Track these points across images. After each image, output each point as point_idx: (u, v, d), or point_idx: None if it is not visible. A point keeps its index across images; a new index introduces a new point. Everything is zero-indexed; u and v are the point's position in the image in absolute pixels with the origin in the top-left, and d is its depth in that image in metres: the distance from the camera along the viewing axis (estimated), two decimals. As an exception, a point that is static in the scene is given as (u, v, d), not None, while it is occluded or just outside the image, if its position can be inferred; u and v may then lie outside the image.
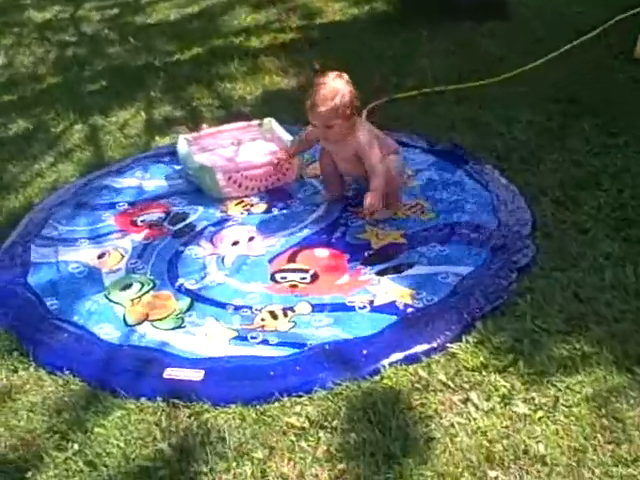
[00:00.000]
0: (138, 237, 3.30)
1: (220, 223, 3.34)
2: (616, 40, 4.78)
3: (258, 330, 2.68)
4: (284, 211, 3.39)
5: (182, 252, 3.17)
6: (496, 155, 3.67)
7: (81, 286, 3.01)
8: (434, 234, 3.11)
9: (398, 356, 2.48)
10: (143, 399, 2.43)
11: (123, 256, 3.18)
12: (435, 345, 2.52)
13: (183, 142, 3.75)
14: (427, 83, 4.48)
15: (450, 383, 2.37)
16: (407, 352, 2.50)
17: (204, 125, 4.21)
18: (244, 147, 3.83)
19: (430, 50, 5.03)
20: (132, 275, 3.05)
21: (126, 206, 3.55)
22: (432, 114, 4.13)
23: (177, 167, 3.82)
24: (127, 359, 2.59)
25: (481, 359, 2.45)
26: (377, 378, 2.42)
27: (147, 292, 2.93)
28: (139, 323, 2.77)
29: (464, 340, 2.54)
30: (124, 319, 2.80)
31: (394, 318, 2.67)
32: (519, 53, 4.82)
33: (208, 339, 2.66)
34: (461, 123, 4.00)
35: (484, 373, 2.40)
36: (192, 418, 2.36)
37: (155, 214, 3.46)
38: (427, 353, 2.50)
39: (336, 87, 3.06)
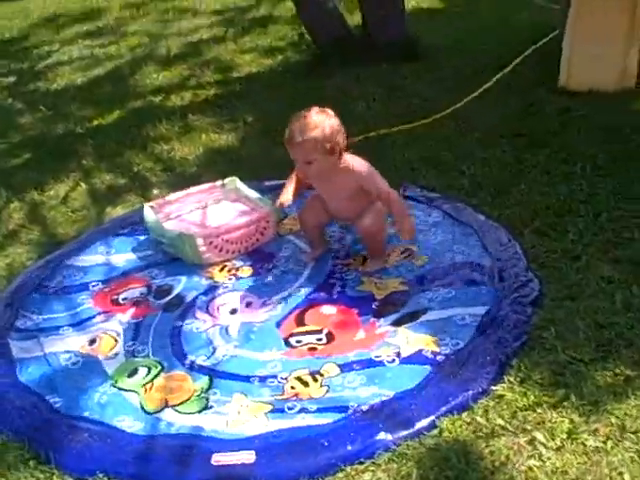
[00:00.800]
0: (125, 317, 3.11)
1: (210, 291, 3.20)
2: (532, 72, 5.01)
3: (292, 400, 2.56)
4: (272, 272, 3.29)
5: (181, 327, 3.00)
6: (464, 192, 3.73)
7: (81, 378, 2.79)
8: (434, 278, 3.10)
9: (448, 407, 2.43)
10: (196, 491, 2.26)
11: (116, 340, 2.98)
12: (480, 389, 2.49)
13: (149, 211, 3.58)
14: (370, 127, 4.51)
15: (510, 427, 2.34)
16: (455, 401, 2.45)
17: (155, 191, 4.08)
18: (211, 210, 3.71)
19: (361, 94, 5.09)
20: (134, 359, 2.86)
21: (100, 285, 3.35)
22: (387, 157, 4.14)
23: (141, 237, 3.65)
24: (164, 451, 2.40)
25: (532, 398, 2.43)
26: (436, 432, 2.36)
27: (157, 375, 2.75)
28: (160, 410, 2.59)
29: (506, 380, 2.52)
30: (142, 407, 2.61)
31: (428, 368, 2.62)
32: (446, 91, 4.96)
33: (243, 417, 2.51)
34: (419, 164, 4.04)
35: (539, 411, 2.38)
36: (255, 504, 2.21)
37: (136, 290, 3.28)
38: (475, 399, 2.46)
39: (316, 120, 2.95)
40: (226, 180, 3.80)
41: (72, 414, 2.61)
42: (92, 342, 2.98)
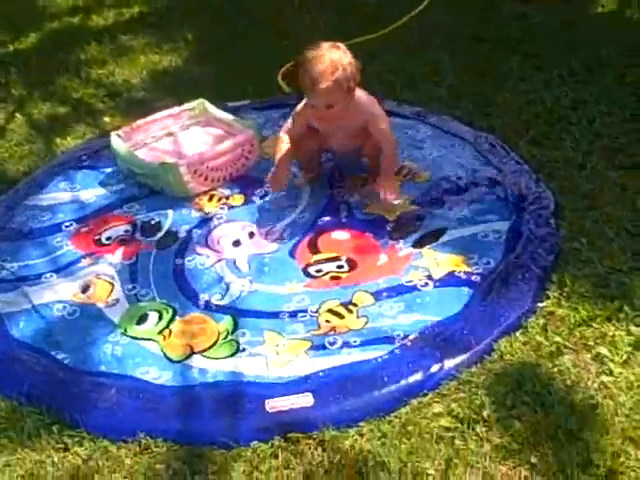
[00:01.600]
0: (115, 258, 2.81)
1: (204, 224, 2.94)
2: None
3: (331, 334, 2.38)
4: (266, 199, 3.05)
5: (183, 265, 2.74)
6: (445, 104, 3.56)
7: (84, 329, 2.51)
8: (442, 195, 2.94)
9: (501, 328, 2.32)
10: (255, 442, 2.06)
11: (112, 284, 2.69)
12: (528, 307, 2.39)
13: (117, 140, 3.23)
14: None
15: (569, 343, 2.26)
16: (508, 322, 2.34)
17: (106, 119, 3.72)
18: (182, 137, 3.39)
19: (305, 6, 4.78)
20: (139, 304, 2.59)
21: (75, 225, 3.01)
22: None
23: (108, 170, 3.31)
24: (208, 401, 2.18)
25: (583, 312, 2.34)
26: (495, 356, 2.25)
27: (171, 320, 2.50)
28: (186, 357, 2.35)
29: (551, 296, 2.43)
30: (165, 356, 2.36)
31: (466, 290, 2.48)
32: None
33: (283, 357, 2.31)
34: (389, 77, 3.83)
35: (595, 325, 2.31)
36: (323, 449, 2.04)
37: (119, 228, 2.97)
38: (526, 317, 2.36)
39: (334, 59, 2.69)
40: (193, 103, 3.47)
41: (87, 369, 2.34)
42: (85, 289, 2.68)
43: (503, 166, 3.06)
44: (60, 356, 2.39)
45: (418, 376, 2.19)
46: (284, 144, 2.95)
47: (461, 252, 2.64)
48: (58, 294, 2.66)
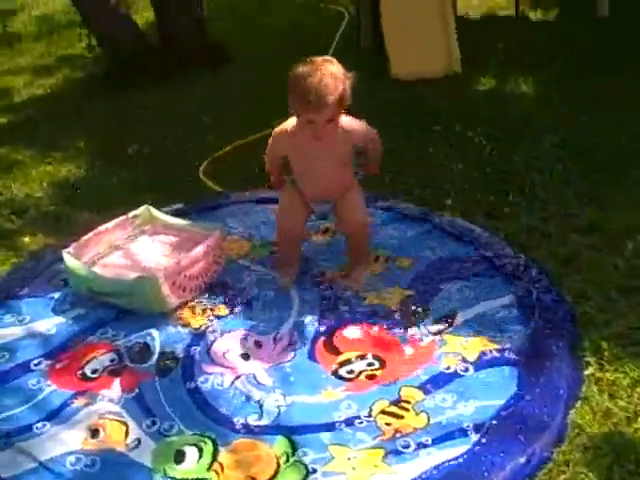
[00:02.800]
0: (113, 392, 2.48)
1: (199, 340, 2.68)
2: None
3: (398, 437, 2.23)
4: (253, 305, 2.85)
5: (198, 388, 2.47)
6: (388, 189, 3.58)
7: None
8: (433, 277, 2.92)
9: (565, 401, 2.30)
10: None
11: (125, 423, 2.35)
12: (577, 377, 2.39)
13: (72, 259, 2.89)
14: (213, 141, 4.19)
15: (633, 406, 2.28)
16: (566, 394, 2.32)
17: (26, 239, 3.36)
18: (134, 248, 3.11)
19: (184, 105, 4.70)
20: (168, 440, 2.28)
21: (45, 361, 2.63)
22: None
23: (55, 295, 2.97)
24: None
25: (631, 373, 2.38)
26: (576, 431, 2.20)
27: (216, 452, 2.22)
28: (251, 492, 2.10)
29: (592, 362, 2.45)
30: (228, 495, 2.09)
31: (507, 369, 2.45)
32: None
33: (363, 471, 2.13)
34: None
35: (652, 373, 2.36)
36: None
37: (103, 357, 2.63)
38: (579, 387, 2.36)
39: (334, 72, 2.60)
40: (137, 210, 3.21)
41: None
42: (95, 433, 2.32)
43: (476, 241, 3.10)
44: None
45: (517, 463, 2.09)
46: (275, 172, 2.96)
47: (481, 332, 2.61)
48: (65, 445, 2.27)
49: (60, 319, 2.83)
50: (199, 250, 2.88)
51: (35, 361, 2.63)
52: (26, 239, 3.38)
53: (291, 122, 2.77)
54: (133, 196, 3.62)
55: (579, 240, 3.08)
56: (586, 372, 2.41)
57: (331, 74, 2.59)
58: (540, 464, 2.11)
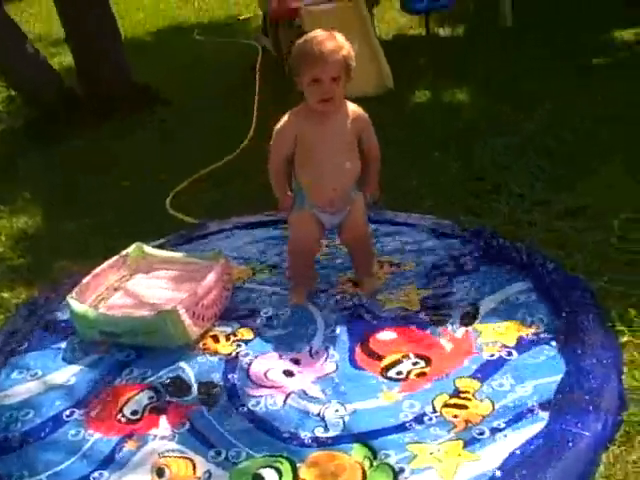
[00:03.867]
0: (163, 430, 2.35)
1: (233, 366, 2.59)
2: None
3: (470, 426, 2.24)
4: (274, 325, 2.80)
5: (251, 412, 2.38)
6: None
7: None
8: (445, 275, 2.97)
9: (616, 370, 2.38)
10: None
11: (189, 458, 2.24)
12: (617, 347, 2.48)
13: (79, 304, 2.75)
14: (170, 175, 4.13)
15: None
16: (616, 362, 2.41)
17: (4, 294, 3.18)
18: (134, 287, 2.99)
19: (123, 149, 4.63)
20: (240, 467, 2.19)
21: (78, 411, 2.47)
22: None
23: (60, 345, 2.81)
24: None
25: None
26: (634, 396, 2.28)
27: (294, 469, 2.16)
28: (344, 503, 2.05)
29: (625, 331, 2.55)
30: (325, 509, 2.03)
31: (546, 347, 2.51)
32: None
33: (449, 463, 2.12)
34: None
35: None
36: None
37: (139, 397, 2.50)
38: (619, 352, 2.45)
39: (339, 40, 2.63)
40: (129, 249, 3.09)
41: None
42: (160, 473, 2.20)
43: (471, 237, 3.18)
44: None
45: (596, 430, 2.14)
46: (281, 178, 2.81)
47: (510, 318, 2.68)
48: (133, 492, 2.15)
49: (76, 368, 2.68)
50: (211, 278, 2.81)
51: (66, 412, 2.47)
52: (5, 294, 3.18)
53: (286, 118, 2.73)
54: (102, 239, 3.53)
55: (565, 224, 3.21)
56: (622, 340, 2.51)
57: (338, 40, 2.62)
58: (616, 428, 2.17)
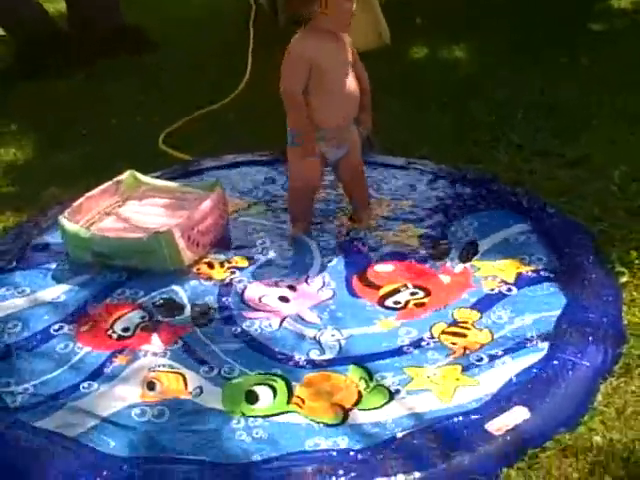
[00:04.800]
0: (155, 347, 2.31)
1: (228, 291, 2.55)
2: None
3: (469, 353, 2.21)
4: (270, 254, 2.75)
5: (247, 332, 2.34)
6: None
7: (192, 426, 2.01)
8: (445, 214, 2.93)
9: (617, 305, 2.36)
10: (504, 470, 1.83)
11: (180, 373, 2.20)
12: (616, 286, 2.46)
13: (70, 223, 2.68)
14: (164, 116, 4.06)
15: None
16: (616, 299, 2.39)
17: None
18: (126, 212, 2.92)
19: (117, 90, 4.54)
20: (233, 382, 2.15)
21: (67, 326, 2.42)
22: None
23: (51, 265, 2.73)
24: (432, 446, 1.88)
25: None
26: (633, 331, 2.26)
27: (290, 388, 2.12)
28: (345, 418, 2.01)
29: (625, 272, 2.52)
30: (326, 424, 1.99)
31: (546, 284, 2.48)
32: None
33: (448, 385, 2.09)
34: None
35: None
36: (574, 454, 1.87)
37: (131, 315, 2.45)
38: (619, 291, 2.43)
39: None
40: (122, 176, 3.02)
41: (239, 462, 1.88)
42: (151, 386, 2.15)
43: (471, 180, 3.14)
44: (200, 458, 1.89)
45: (596, 361, 2.12)
46: (304, 109, 2.63)
47: (509, 256, 2.65)
48: (123, 400, 2.09)
49: (66, 286, 2.62)
50: (207, 205, 2.75)
51: (55, 326, 2.42)
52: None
53: (301, 43, 2.63)
54: (94, 173, 3.42)
55: (566, 174, 3.18)
56: (622, 280, 2.49)
57: None
58: (615, 360, 2.15)
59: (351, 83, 2.69)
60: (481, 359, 2.18)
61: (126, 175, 3.02)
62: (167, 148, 3.68)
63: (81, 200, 2.84)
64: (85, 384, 2.17)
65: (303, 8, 2.60)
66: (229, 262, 2.71)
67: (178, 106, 4.19)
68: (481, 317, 2.35)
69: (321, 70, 2.61)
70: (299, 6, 2.62)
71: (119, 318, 2.44)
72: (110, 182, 2.98)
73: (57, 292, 2.59)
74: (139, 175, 3.04)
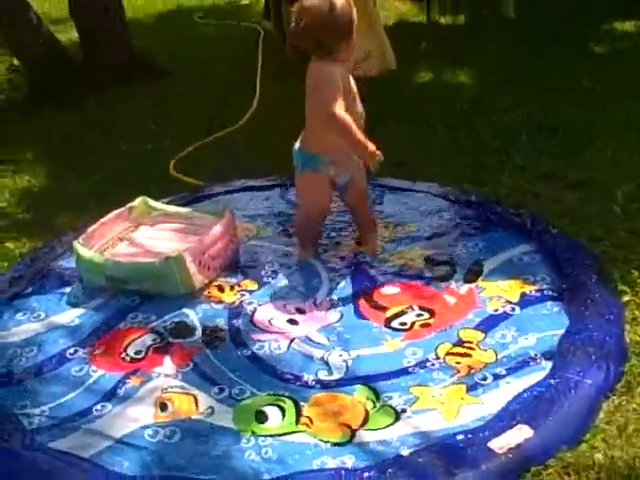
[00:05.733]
0: (167, 369, 2.37)
1: (238, 314, 2.61)
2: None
3: (473, 372, 2.26)
4: (280, 278, 2.81)
5: (257, 354, 2.40)
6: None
7: (203, 446, 2.06)
8: (449, 237, 2.98)
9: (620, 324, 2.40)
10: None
11: (192, 394, 2.25)
12: (619, 305, 2.50)
13: (83, 249, 2.75)
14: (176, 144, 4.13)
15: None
16: (618, 317, 2.43)
17: (8, 244, 3.18)
18: (139, 237, 3.00)
19: (130, 116, 4.62)
20: (243, 404, 2.20)
21: (81, 350, 2.48)
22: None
23: (65, 290, 2.81)
24: (435, 464, 1.92)
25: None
26: (636, 350, 2.30)
27: (297, 407, 2.17)
28: (352, 437, 2.06)
29: (628, 291, 2.56)
30: (333, 444, 2.04)
31: (549, 304, 2.53)
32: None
33: (452, 404, 2.13)
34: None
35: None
36: (575, 471, 1.91)
37: (143, 339, 2.51)
38: (622, 309, 2.47)
39: None
40: (134, 202, 3.09)
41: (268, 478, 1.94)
42: (163, 407, 2.21)
43: (475, 203, 3.20)
44: (208, 478, 1.94)
45: (598, 379, 2.16)
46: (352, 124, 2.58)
47: (514, 276, 2.69)
48: (136, 421, 2.15)
49: (80, 311, 2.69)
50: (217, 230, 2.82)
51: (70, 350, 2.48)
52: (10, 245, 3.19)
53: (330, 67, 2.62)
54: (106, 199, 3.50)
55: (570, 196, 3.23)
56: (624, 299, 2.53)
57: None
58: (617, 378, 2.19)
59: (359, 107, 2.75)
60: (485, 378, 2.22)
61: (138, 201, 3.10)
62: (178, 174, 3.75)
63: (95, 226, 2.91)
64: (99, 406, 2.22)
65: (334, 44, 2.61)
66: (239, 285, 2.77)
67: (188, 131, 4.29)
68: (485, 337, 2.40)
69: (346, 93, 2.63)
70: (331, 42, 2.60)
71: (132, 341, 2.50)
72: (123, 208, 3.06)
73: (71, 316, 2.66)
74: (151, 201, 3.12)
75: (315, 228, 2.94)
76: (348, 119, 2.55)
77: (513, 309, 2.52)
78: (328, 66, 2.61)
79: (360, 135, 2.58)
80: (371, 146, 2.57)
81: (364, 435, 2.06)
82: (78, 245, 2.76)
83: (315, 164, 2.78)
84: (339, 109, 2.54)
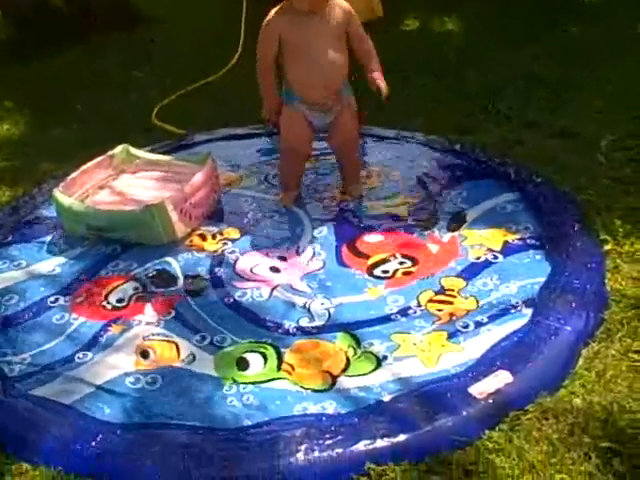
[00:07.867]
0: (149, 317, 2.37)
1: (220, 262, 2.60)
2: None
3: (454, 320, 2.27)
4: (262, 225, 2.80)
5: (239, 302, 2.40)
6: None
7: (186, 393, 2.07)
8: (433, 185, 2.97)
9: (600, 272, 2.41)
10: (486, 432, 1.89)
11: (173, 342, 2.26)
12: (600, 253, 2.50)
13: (64, 197, 2.72)
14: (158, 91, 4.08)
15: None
16: (598, 266, 2.43)
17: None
18: (120, 186, 2.97)
19: (117, 66, 4.55)
20: (225, 351, 2.21)
21: (62, 298, 2.47)
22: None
23: (46, 238, 2.78)
24: (418, 409, 1.93)
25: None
26: (615, 298, 2.31)
27: (280, 355, 2.17)
28: (333, 384, 2.07)
29: (609, 240, 2.57)
30: (314, 390, 2.05)
31: (532, 252, 2.52)
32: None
33: (433, 351, 2.14)
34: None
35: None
36: (554, 416, 1.93)
37: (125, 287, 2.51)
38: (603, 258, 2.47)
39: None
40: (115, 150, 3.05)
41: (233, 427, 1.94)
42: (145, 355, 2.21)
43: (459, 152, 3.18)
44: (191, 423, 1.95)
45: (578, 326, 2.17)
46: (268, 77, 2.80)
47: (497, 225, 2.69)
48: (117, 369, 2.15)
49: (61, 259, 2.67)
50: (199, 178, 2.79)
51: (51, 298, 2.47)
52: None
53: (270, 17, 2.71)
54: (88, 148, 3.44)
55: (554, 144, 3.21)
56: (606, 247, 2.53)
57: None
58: (597, 325, 2.20)
59: (332, 55, 2.70)
60: (467, 325, 2.23)
61: (119, 149, 3.06)
62: (160, 123, 3.70)
63: (75, 174, 2.88)
64: (80, 354, 2.22)
65: None
66: (221, 234, 2.76)
67: (172, 80, 4.21)
68: (467, 285, 2.40)
69: (291, 44, 2.68)
70: None
71: (113, 289, 2.49)
72: (104, 156, 3.02)
73: (52, 265, 2.64)
74: (132, 149, 3.08)
75: (294, 169, 2.92)
76: (260, 74, 2.79)
77: (495, 257, 2.53)
78: (275, 14, 2.71)
79: (262, 82, 2.78)
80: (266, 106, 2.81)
81: (345, 381, 2.07)
82: (58, 193, 2.72)
83: (290, 99, 2.79)
84: (257, 62, 2.77)
